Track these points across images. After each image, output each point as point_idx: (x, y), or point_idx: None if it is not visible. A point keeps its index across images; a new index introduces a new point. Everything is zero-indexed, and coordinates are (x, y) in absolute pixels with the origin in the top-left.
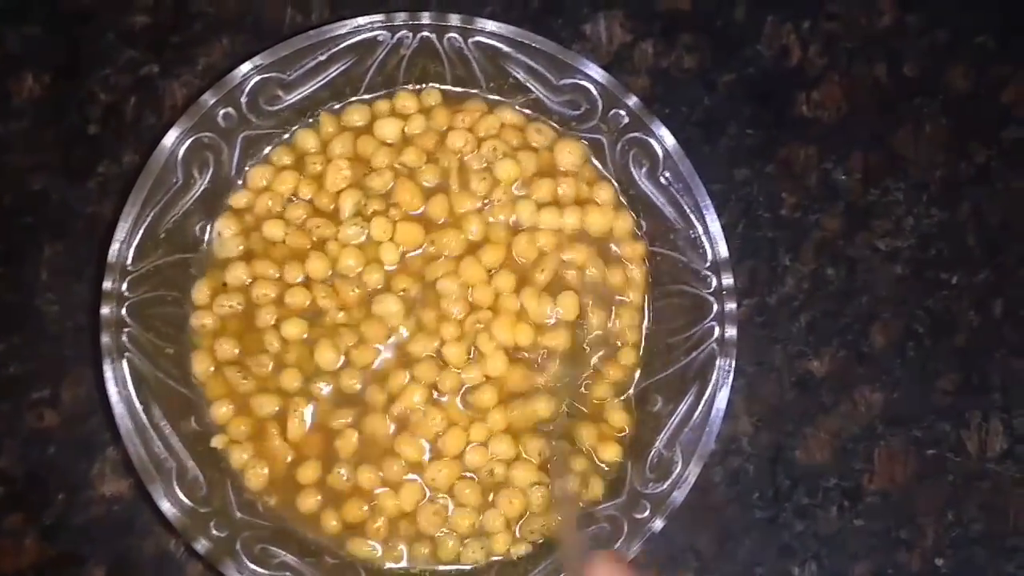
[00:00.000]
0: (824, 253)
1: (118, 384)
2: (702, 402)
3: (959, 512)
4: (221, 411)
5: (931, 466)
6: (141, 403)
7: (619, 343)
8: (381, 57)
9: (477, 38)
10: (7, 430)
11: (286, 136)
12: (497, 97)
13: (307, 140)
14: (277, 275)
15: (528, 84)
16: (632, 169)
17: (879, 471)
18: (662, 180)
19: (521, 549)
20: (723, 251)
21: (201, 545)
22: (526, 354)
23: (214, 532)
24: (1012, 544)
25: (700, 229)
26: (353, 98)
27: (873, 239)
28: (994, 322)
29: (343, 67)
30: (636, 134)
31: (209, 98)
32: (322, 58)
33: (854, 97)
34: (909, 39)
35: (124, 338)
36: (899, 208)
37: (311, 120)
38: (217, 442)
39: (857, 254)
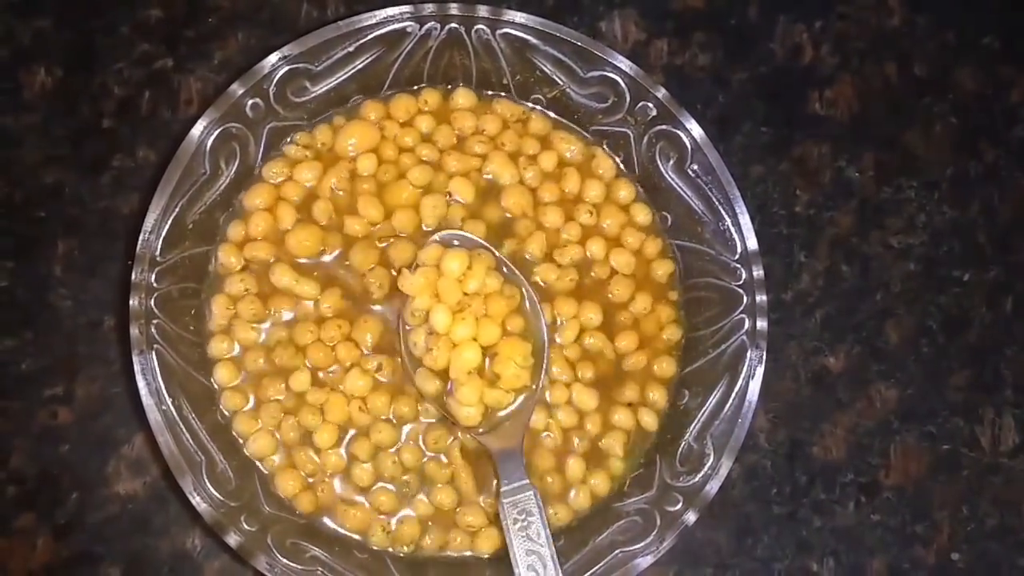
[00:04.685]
0: (838, 250)
1: (147, 376)
2: (733, 394)
3: (973, 507)
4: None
5: (946, 461)
6: (170, 395)
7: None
8: (408, 48)
9: (505, 30)
10: (20, 428)
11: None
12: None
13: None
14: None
15: (555, 77)
16: (659, 162)
17: (895, 466)
18: (690, 172)
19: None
20: (752, 243)
21: (233, 539)
22: None
23: (245, 526)
24: None
25: (729, 221)
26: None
27: (886, 236)
28: (1005, 318)
29: (370, 58)
30: (664, 126)
31: (237, 88)
32: (350, 49)
33: (865, 96)
34: (918, 39)
35: (153, 330)
36: (911, 206)
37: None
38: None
39: (871, 251)
